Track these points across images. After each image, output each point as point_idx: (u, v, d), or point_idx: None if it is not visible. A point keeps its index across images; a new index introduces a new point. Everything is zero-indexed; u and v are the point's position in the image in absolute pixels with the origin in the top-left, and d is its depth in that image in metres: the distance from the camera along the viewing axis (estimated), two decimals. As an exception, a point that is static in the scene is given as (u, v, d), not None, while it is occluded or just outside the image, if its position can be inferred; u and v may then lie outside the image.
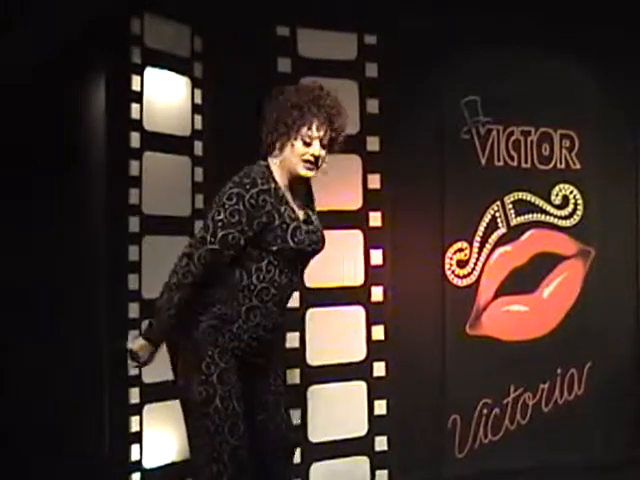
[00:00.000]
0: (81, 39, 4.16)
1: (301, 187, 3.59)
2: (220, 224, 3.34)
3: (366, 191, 4.98)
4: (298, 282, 3.60)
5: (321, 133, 3.46)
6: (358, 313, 4.99)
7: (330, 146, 3.53)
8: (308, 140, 3.45)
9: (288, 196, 3.49)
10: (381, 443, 5.03)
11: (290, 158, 3.45)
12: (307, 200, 3.63)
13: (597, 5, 5.25)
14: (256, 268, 3.42)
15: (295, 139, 3.44)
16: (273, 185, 3.42)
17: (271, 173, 3.45)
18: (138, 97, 4.34)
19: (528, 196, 5.36)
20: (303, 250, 3.47)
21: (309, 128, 3.44)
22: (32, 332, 4.19)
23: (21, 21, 3.98)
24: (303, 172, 3.46)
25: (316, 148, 3.45)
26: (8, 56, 4.03)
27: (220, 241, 3.34)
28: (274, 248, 3.40)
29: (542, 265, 5.38)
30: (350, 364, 4.96)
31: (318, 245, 3.56)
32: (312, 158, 3.45)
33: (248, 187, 3.36)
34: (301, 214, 3.54)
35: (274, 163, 3.48)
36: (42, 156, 4.22)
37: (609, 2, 5.25)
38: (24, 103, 4.14)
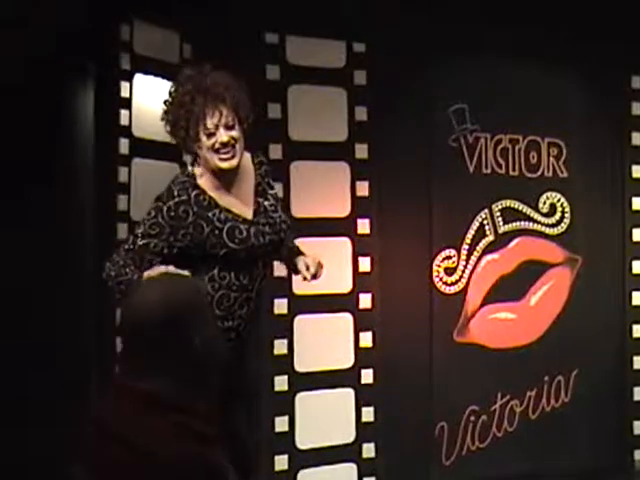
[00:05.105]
0: (70, 45, 4.15)
1: (245, 179, 3.48)
2: (140, 235, 3.32)
3: (354, 198, 4.98)
4: (262, 275, 3.49)
5: (217, 117, 3.32)
6: (346, 320, 4.99)
7: (240, 123, 3.38)
8: (211, 130, 3.32)
9: (220, 198, 3.40)
10: (369, 450, 5.03)
11: (206, 156, 3.34)
12: (260, 190, 3.51)
13: (584, 16, 5.28)
14: (209, 279, 3.36)
15: (198, 136, 3.33)
16: (194, 193, 3.35)
17: (194, 180, 3.38)
18: (127, 103, 4.33)
19: (516, 204, 5.37)
20: (253, 246, 3.39)
21: (204, 119, 3.31)
22: (18, 339, 4.18)
23: (11, 25, 3.98)
24: (224, 165, 3.34)
25: (221, 134, 3.32)
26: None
27: (139, 248, 3.30)
28: (220, 254, 3.35)
29: (529, 273, 5.39)
30: (338, 371, 4.96)
31: (273, 236, 3.45)
32: (222, 146, 3.32)
33: (165, 200, 3.33)
34: (246, 210, 3.45)
35: (198, 167, 3.40)
36: (30, 161, 4.20)
37: (596, 14, 5.28)
38: (12, 108, 4.13)
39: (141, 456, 2.13)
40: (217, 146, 3.33)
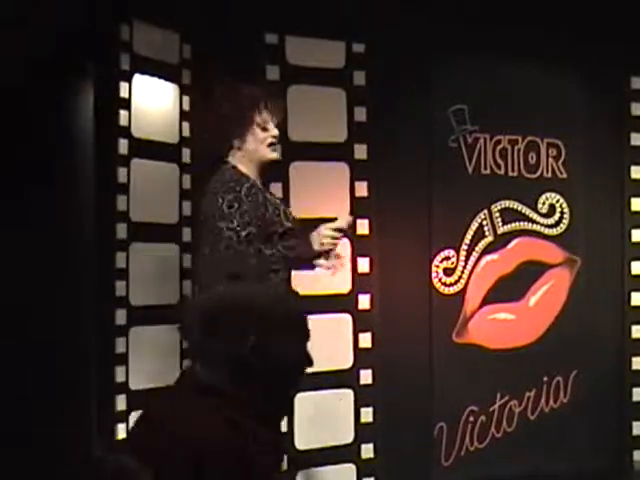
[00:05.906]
0: (70, 46, 4.16)
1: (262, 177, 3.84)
2: (238, 226, 3.53)
3: (353, 199, 4.98)
4: None
5: (270, 115, 3.75)
6: (345, 321, 4.99)
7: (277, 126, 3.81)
8: (266, 125, 3.73)
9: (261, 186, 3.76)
10: (367, 451, 5.03)
11: (255, 148, 3.72)
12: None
13: (584, 16, 5.27)
14: (270, 254, 3.59)
15: (253, 128, 3.70)
16: (251, 180, 3.67)
17: (240, 171, 3.67)
18: (126, 104, 4.33)
19: (515, 204, 5.38)
20: (295, 226, 3.76)
21: (260, 113, 3.72)
22: (18, 339, 4.18)
23: (11, 25, 3.98)
24: (274, 155, 3.76)
25: (274, 129, 3.75)
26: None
27: (245, 237, 3.53)
28: (279, 231, 3.65)
29: (528, 273, 5.39)
30: (337, 372, 4.96)
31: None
32: (274, 139, 3.75)
33: (238, 188, 3.58)
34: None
35: (238, 161, 3.70)
36: (30, 161, 4.20)
37: (596, 14, 5.28)
38: (12, 108, 4.13)
39: (175, 438, 2.16)
40: (270, 140, 3.73)
